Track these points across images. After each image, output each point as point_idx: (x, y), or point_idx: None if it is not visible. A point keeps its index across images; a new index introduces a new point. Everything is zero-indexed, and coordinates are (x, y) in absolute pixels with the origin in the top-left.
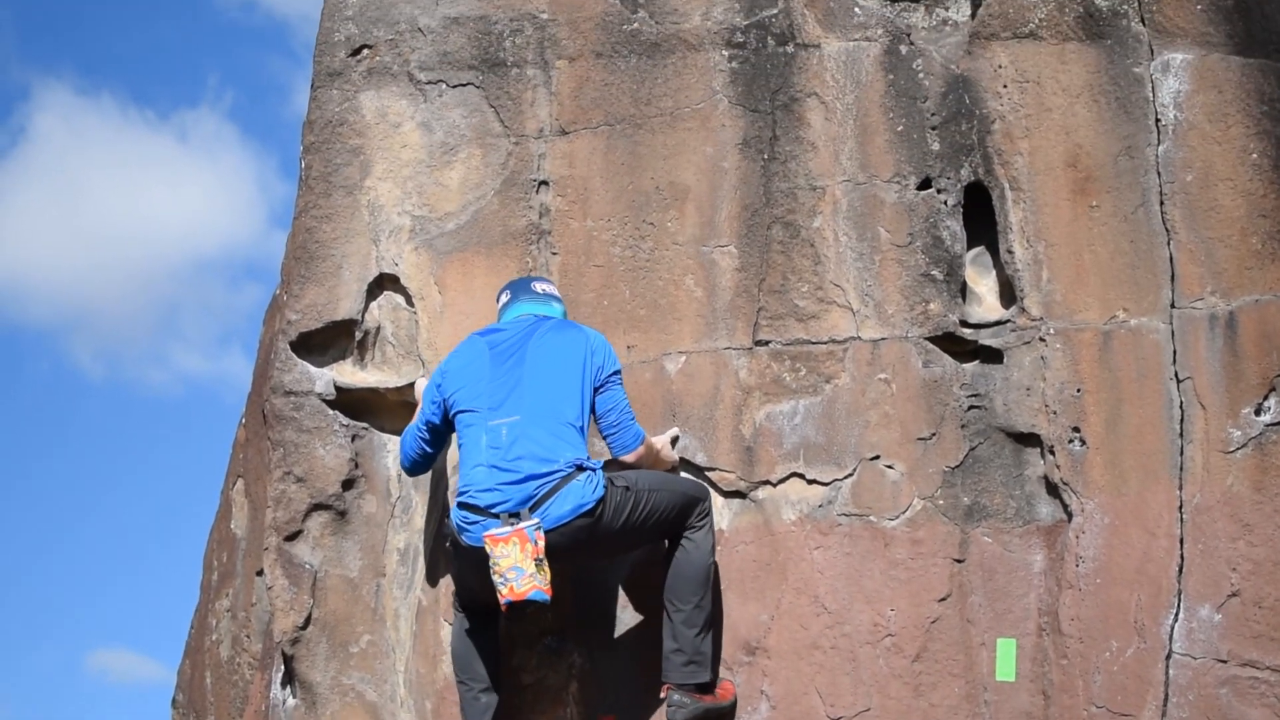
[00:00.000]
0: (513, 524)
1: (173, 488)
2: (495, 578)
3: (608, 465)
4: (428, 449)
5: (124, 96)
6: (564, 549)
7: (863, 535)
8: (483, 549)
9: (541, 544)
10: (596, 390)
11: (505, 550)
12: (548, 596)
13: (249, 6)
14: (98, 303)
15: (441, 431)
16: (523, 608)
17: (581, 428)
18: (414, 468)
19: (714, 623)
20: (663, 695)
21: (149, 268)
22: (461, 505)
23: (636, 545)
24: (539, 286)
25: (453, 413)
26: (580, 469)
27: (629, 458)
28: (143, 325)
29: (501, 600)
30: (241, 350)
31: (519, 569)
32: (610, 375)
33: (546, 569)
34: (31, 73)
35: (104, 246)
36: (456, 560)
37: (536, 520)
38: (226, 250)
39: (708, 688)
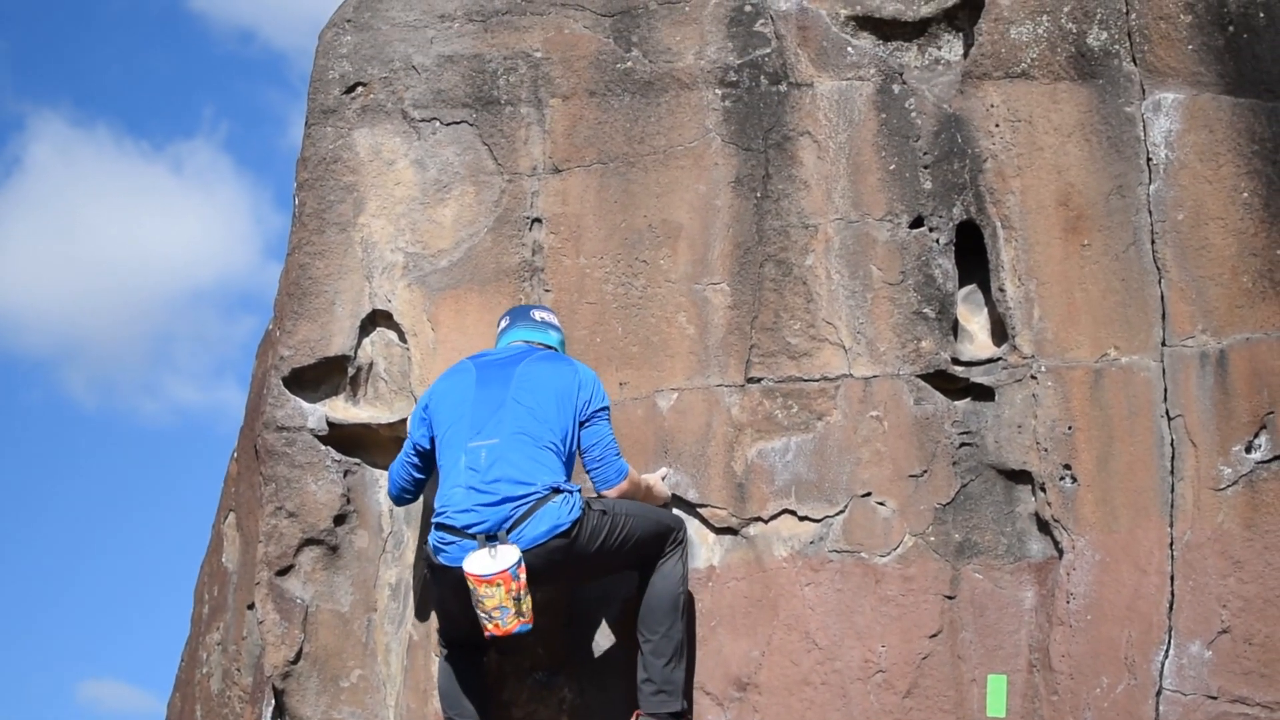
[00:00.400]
0: (492, 552)
1: (166, 519)
2: (480, 613)
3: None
4: (416, 474)
5: (119, 128)
6: (540, 570)
7: (854, 572)
8: (459, 570)
9: (523, 578)
10: (582, 424)
11: (490, 591)
12: (530, 626)
13: (245, 39)
14: (91, 333)
15: (430, 456)
16: (508, 639)
17: (560, 453)
18: (402, 495)
19: (685, 653)
20: None
21: (143, 298)
22: (438, 526)
23: (612, 570)
24: (538, 315)
25: (436, 434)
26: (557, 491)
27: (611, 493)
28: (136, 356)
29: (486, 634)
30: (235, 381)
31: (504, 609)
32: (597, 410)
33: (529, 599)
34: (26, 104)
35: (98, 277)
36: (435, 584)
37: (517, 556)
38: (221, 281)
39: (679, 717)
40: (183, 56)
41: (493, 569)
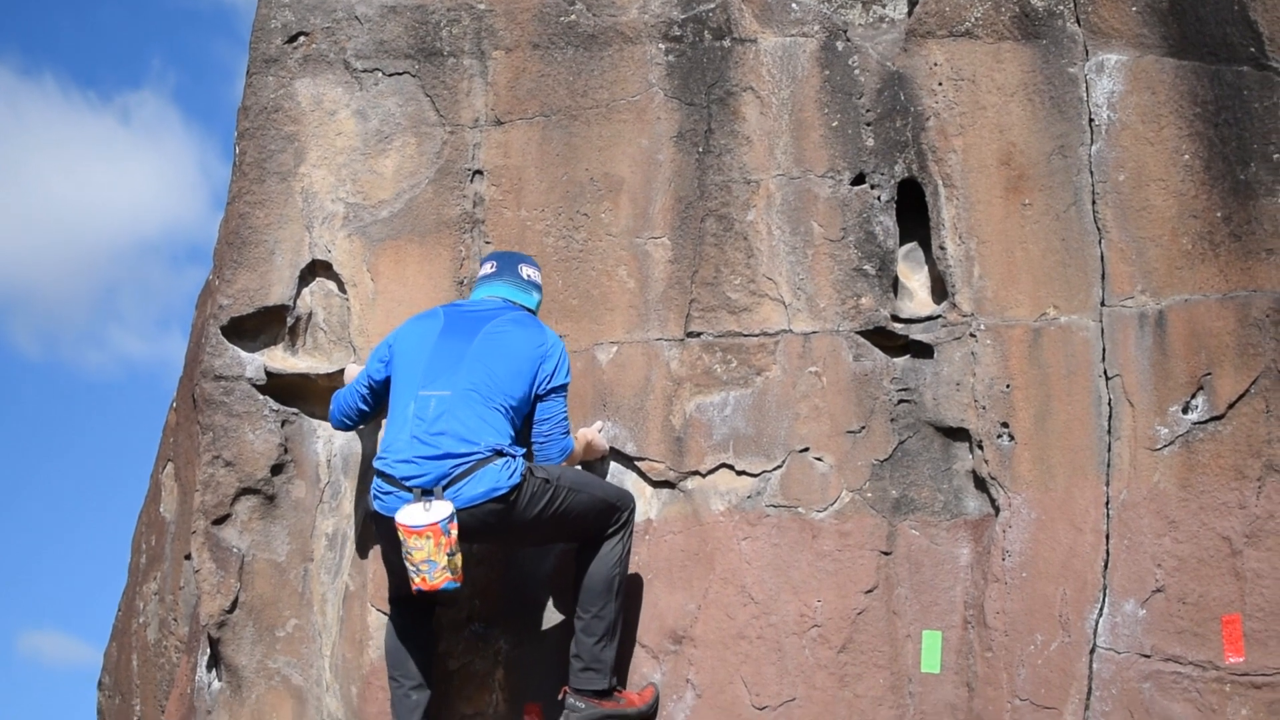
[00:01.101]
0: (426, 505)
1: (109, 469)
2: (409, 566)
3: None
4: (362, 406)
5: (66, 78)
6: (474, 530)
7: (790, 526)
8: (394, 520)
9: (454, 534)
10: (539, 397)
11: (419, 543)
12: (459, 584)
13: None
14: (36, 283)
15: (380, 392)
16: (443, 593)
17: (510, 417)
18: (343, 422)
19: (616, 633)
20: (560, 698)
21: (89, 249)
22: (379, 473)
23: (550, 539)
24: (525, 271)
25: (392, 374)
26: (500, 454)
27: (549, 468)
28: (81, 307)
29: (414, 587)
30: (181, 333)
31: (432, 562)
32: (557, 386)
33: (459, 556)
34: None
35: (44, 228)
36: (376, 533)
37: (450, 510)
38: (168, 232)
39: (607, 694)
40: (131, 7)
41: (423, 521)
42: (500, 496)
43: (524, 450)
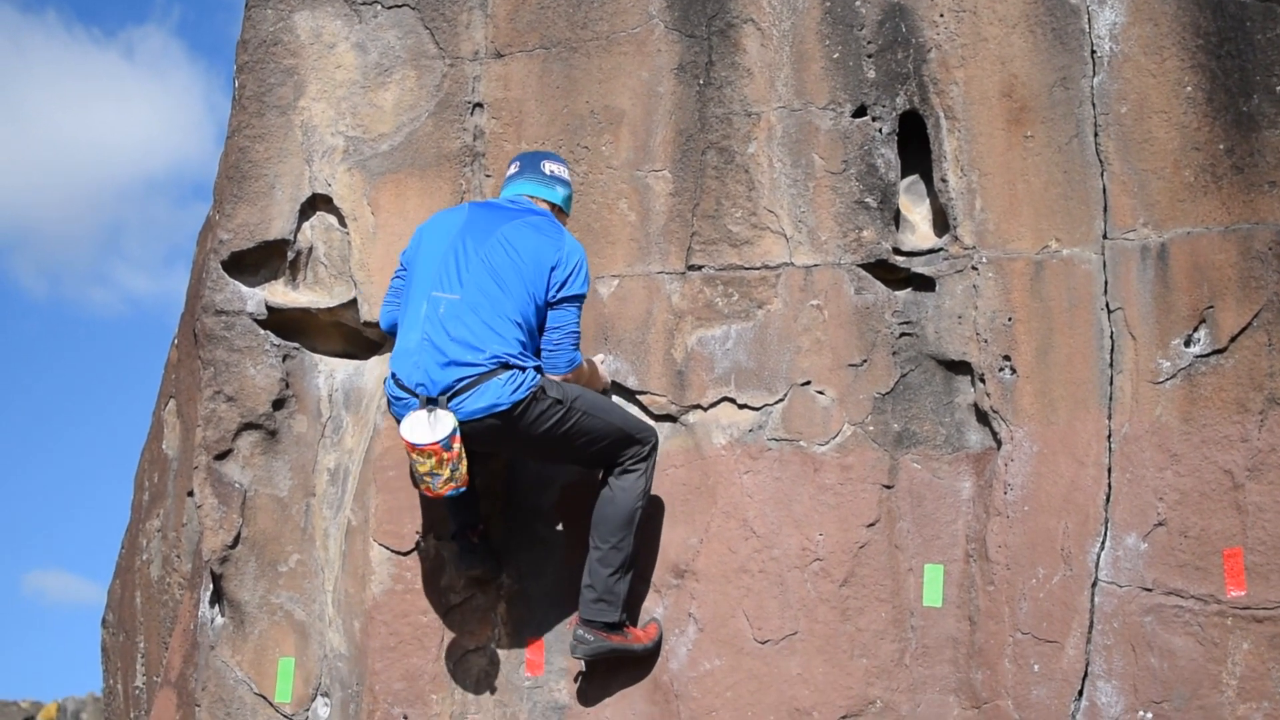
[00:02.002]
0: (431, 418)
1: (115, 407)
2: (414, 475)
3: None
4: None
5: (69, 14)
6: (476, 439)
7: (792, 460)
8: (408, 442)
9: (457, 448)
10: (550, 304)
11: (421, 459)
12: (464, 489)
13: None
14: (41, 221)
15: None
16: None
17: (521, 325)
18: (393, 325)
19: (631, 567)
20: (568, 628)
21: (95, 187)
22: (392, 373)
23: (560, 458)
24: (548, 167)
25: (412, 267)
26: (506, 366)
27: (557, 378)
28: (87, 244)
29: (421, 491)
30: (187, 270)
31: (435, 474)
32: (571, 296)
33: (464, 465)
34: None
35: (49, 165)
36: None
37: (453, 425)
38: (174, 169)
39: (616, 628)
40: None
41: (426, 440)
42: (500, 412)
43: (536, 363)
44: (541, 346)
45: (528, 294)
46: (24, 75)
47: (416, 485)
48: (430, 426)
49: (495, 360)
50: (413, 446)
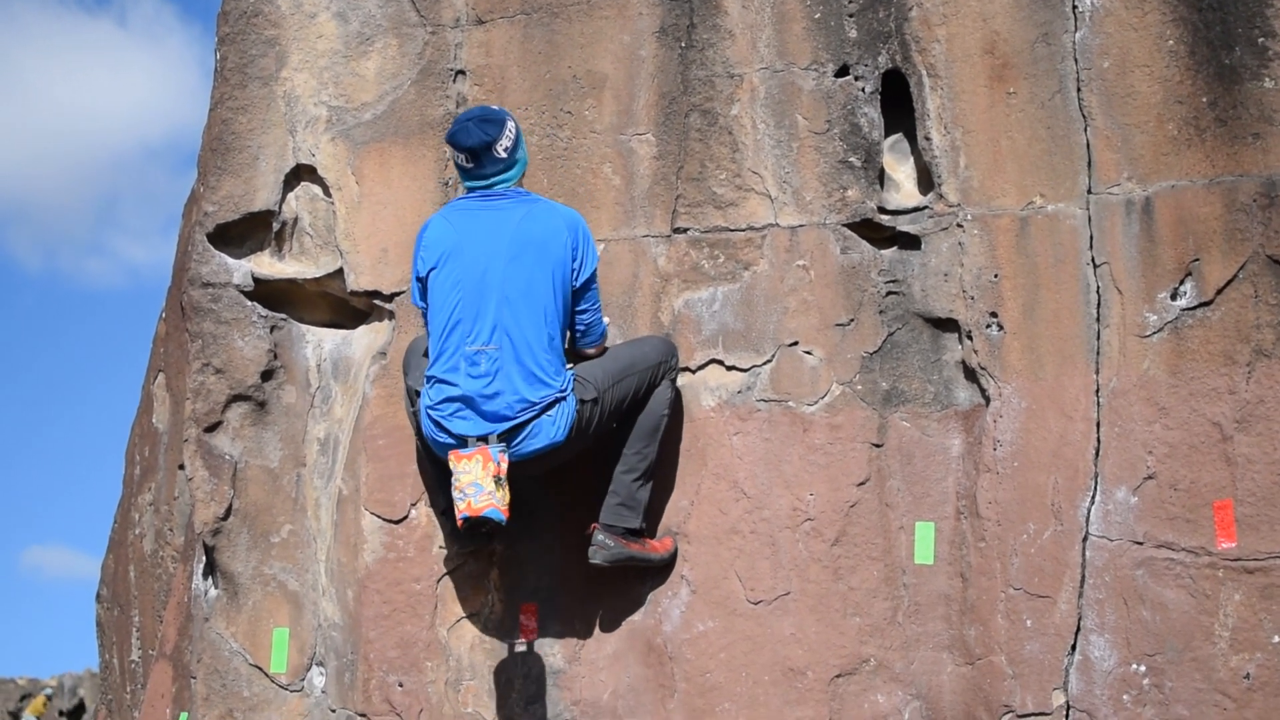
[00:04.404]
0: (478, 445)
1: (112, 380)
2: (455, 493)
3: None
4: None
5: None
6: (535, 472)
7: (781, 421)
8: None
9: (504, 464)
10: (575, 290)
11: (467, 466)
12: (504, 517)
13: None
14: (35, 194)
15: None
16: (479, 524)
17: (556, 338)
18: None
19: (653, 476)
20: (588, 533)
21: (91, 157)
22: (431, 413)
23: (605, 430)
24: (500, 148)
25: (430, 311)
26: (553, 404)
27: (589, 352)
28: (82, 215)
29: (458, 515)
30: None
31: (478, 485)
32: (590, 274)
33: (506, 489)
34: None
35: (42, 137)
36: (419, 440)
37: (502, 445)
38: (170, 137)
39: (636, 534)
40: None
41: (473, 448)
42: (558, 446)
43: (572, 379)
44: (575, 328)
45: (554, 293)
46: (16, 46)
47: (457, 505)
48: (476, 446)
49: (546, 400)
50: (458, 455)
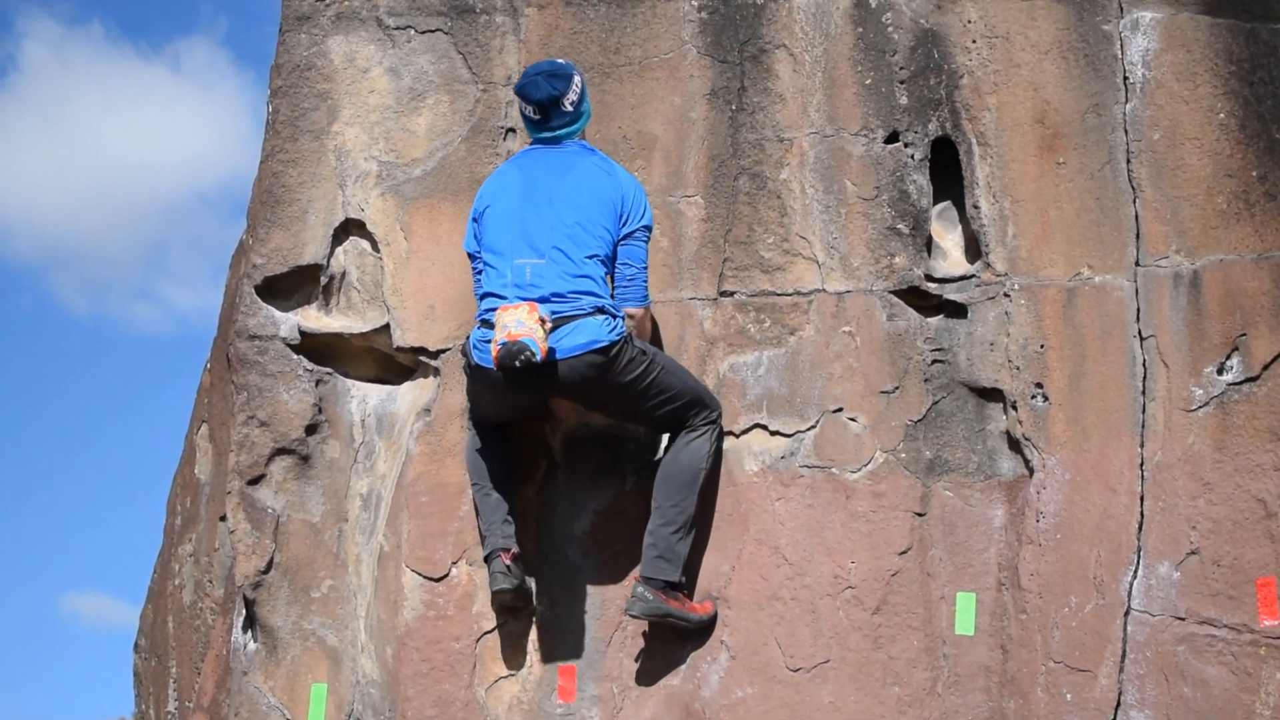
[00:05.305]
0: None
1: (156, 426)
2: (496, 331)
3: None
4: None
5: (113, 26)
6: (570, 383)
7: (824, 487)
8: (494, 370)
9: (549, 320)
10: (621, 240)
11: (512, 314)
12: (539, 349)
13: None
14: (85, 238)
15: None
16: (514, 354)
17: (607, 265)
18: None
19: (693, 530)
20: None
21: (140, 202)
22: (481, 323)
23: (635, 413)
24: (567, 101)
25: (481, 244)
26: (601, 311)
27: (633, 310)
28: (130, 261)
29: (495, 344)
30: None
31: (520, 321)
32: (638, 229)
33: (546, 337)
34: (16, 2)
35: (94, 182)
36: (470, 380)
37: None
38: (222, 183)
39: (676, 589)
40: None
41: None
42: (601, 349)
43: (624, 312)
44: (616, 283)
45: (605, 235)
46: (69, 91)
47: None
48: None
49: (592, 305)
50: (505, 306)
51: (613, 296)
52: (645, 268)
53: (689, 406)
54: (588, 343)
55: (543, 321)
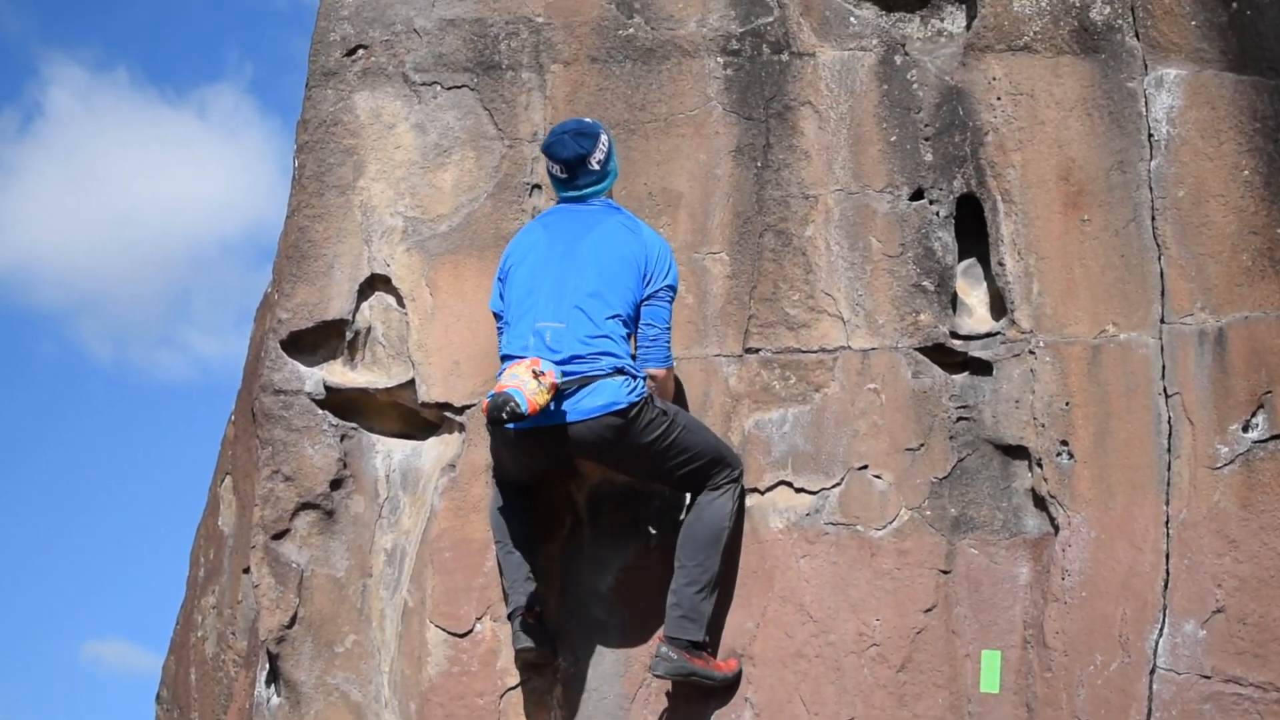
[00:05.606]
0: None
1: (178, 472)
2: (498, 397)
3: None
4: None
5: (139, 73)
6: (588, 444)
7: (849, 545)
8: (514, 431)
9: (551, 374)
10: (644, 300)
11: (516, 371)
12: (526, 403)
13: None
14: (108, 285)
15: None
16: (499, 406)
17: (628, 324)
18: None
19: (716, 589)
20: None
21: (165, 249)
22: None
23: (656, 473)
24: (594, 160)
25: (505, 304)
26: (620, 372)
27: (655, 371)
28: (155, 308)
29: (484, 398)
30: None
31: (514, 375)
32: (663, 287)
33: (544, 392)
34: (42, 48)
35: (119, 229)
36: (492, 438)
37: (558, 370)
38: (247, 230)
39: (700, 649)
40: (203, 3)
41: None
42: (619, 411)
43: (644, 372)
44: (639, 343)
45: (628, 295)
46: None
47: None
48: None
49: (611, 366)
50: (513, 361)
51: (634, 356)
52: (668, 328)
53: (711, 465)
54: (606, 405)
55: (538, 375)
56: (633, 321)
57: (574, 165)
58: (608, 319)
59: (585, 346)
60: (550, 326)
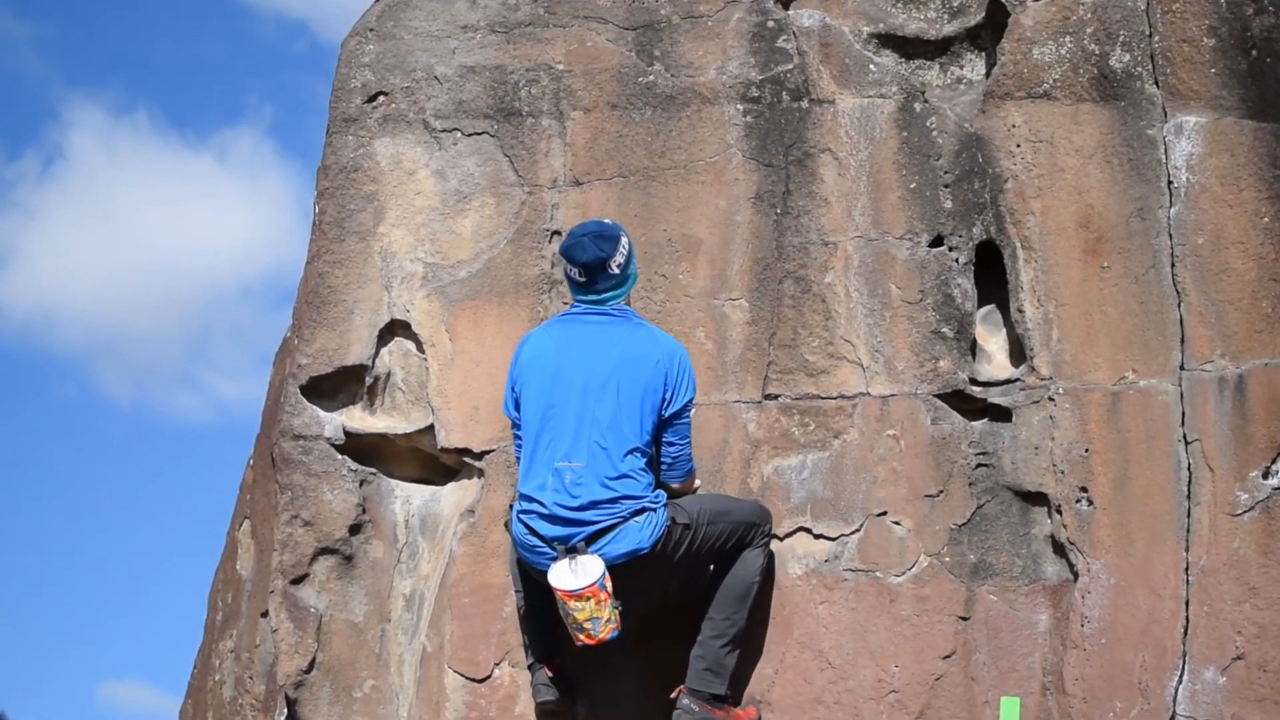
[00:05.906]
0: (573, 565)
1: (197, 514)
2: (570, 625)
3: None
4: None
5: (159, 116)
6: (622, 581)
7: (868, 591)
8: (545, 574)
9: (610, 587)
10: (664, 420)
11: (580, 605)
12: (619, 631)
13: (293, 31)
14: (128, 328)
15: None
16: (600, 646)
17: (645, 453)
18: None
19: (741, 644)
20: (673, 696)
21: (185, 292)
22: (525, 525)
23: (695, 572)
24: (613, 265)
25: (522, 423)
26: (639, 511)
27: (675, 486)
28: (174, 351)
29: (578, 643)
30: None
31: (595, 619)
32: (684, 404)
33: (618, 606)
34: (61, 89)
35: (139, 273)
36: (520, 572)
37: (602, 568)
38: (267, 273)
39: (721, 701)
40: (225, 44)
41: (580, 584)
42: (642, 555)
43: (664, 498)
44: (661, 459)
45: (648, 424)
46: (115, 180)
47: (575, 635)
48: (576, 574)
49: (631, 509)
50: (569, 594)
51: (657, 476)
52: (689, 439)
53: (744, 535)
54: (629, 551)
55: (612, 604)
56: (650, 438)
57: (593, 269)
58: (627, 454)
59: (605, 491)
60: (569, 467)
